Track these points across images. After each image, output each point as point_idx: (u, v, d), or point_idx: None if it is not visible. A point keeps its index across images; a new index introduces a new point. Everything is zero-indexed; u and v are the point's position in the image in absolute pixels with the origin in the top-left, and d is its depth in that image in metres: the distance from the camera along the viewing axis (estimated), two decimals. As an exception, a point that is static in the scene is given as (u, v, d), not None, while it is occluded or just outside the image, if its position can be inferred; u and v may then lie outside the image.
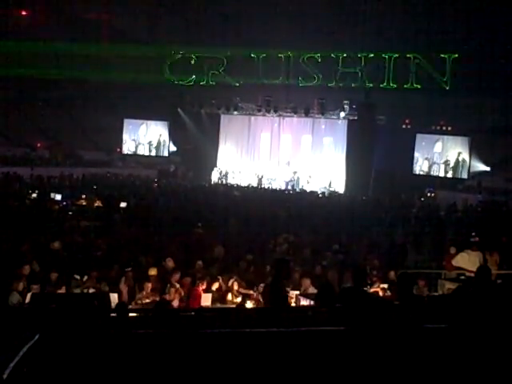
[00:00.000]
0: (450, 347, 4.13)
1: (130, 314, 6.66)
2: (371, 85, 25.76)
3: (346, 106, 26.21)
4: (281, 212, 17.45)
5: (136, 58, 27.15)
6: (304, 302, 8.15)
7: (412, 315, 5.22)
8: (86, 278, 9.18)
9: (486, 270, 7.40)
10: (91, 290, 8.66)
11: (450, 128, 26.15)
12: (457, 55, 24.34)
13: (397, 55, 25.14)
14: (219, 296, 9.23)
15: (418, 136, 26.81)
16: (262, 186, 26.41)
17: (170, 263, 10.11)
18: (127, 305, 8.03)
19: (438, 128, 26.40)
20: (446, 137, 26.50)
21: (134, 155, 31.03)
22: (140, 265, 10.22)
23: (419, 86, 24.99)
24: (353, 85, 26.05)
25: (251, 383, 3.74)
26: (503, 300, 5.95)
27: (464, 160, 26.12)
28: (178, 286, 9.04)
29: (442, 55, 24.61)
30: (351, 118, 26.39)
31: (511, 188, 23.55)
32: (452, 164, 26.43)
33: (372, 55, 25.56)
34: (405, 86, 25.19)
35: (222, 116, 29.05)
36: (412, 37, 24.69)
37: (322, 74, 26.13)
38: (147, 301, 8.64)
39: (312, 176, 26.81)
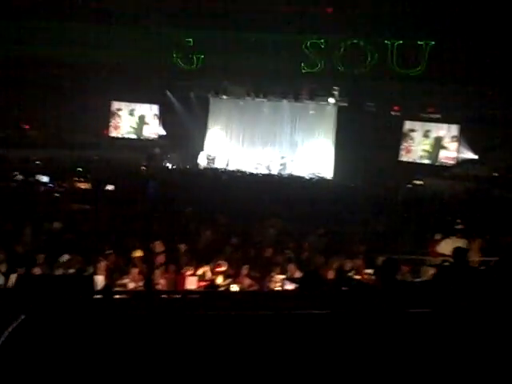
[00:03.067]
0: (433, 332, 4.16)
1: (116, 297, 6.66)
2: (361, 71, 25.65)
3: (335, 92, 26.23)
4: (268, 197, 17.48)
5: (125, 40, 26.88)
6: (289, 287, 8.22)
7: (396, 300, 5.27)
8: (70, 259, 9.17)
9: (463, 252, 7.46)
10: (75, 272, 8.65)
11: (439, 115, 26.23)
12: (433, 43, 24.36)
13: (401, 41, 25.00)
14: (205, 280, 9.27)
15: (407, 123, 26.87)
16: (250, 171, 26.40)
17: (158, 246, 10.12)
18: (112, 287, 8.05)
19: (428, 115, 26.48)
20: (434, 124, 26.59)
21: (122, 138, 30.84)
22: (126, 248, 10.22)
23: (420, 69, 24.82)
24: (340, 70, 25.92)
25: (236, 366, 3.76)
26: (486, 286, 6.02)
27: (452, 148, 26.25)
28: (162, 268, 9.07)
29: (419, 42, 24.59)
30: (341, 103, 26.42)
31: (497, 177, 23.74)
32: (440, 151, 26.53)
33: (355, 41, 25.48)
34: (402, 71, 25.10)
35: (211, 99, 28.94)
36: (396, 23, 24.52)
37: (312, 59, 26.03)
38: (133, 284, 8.66)
39: (300, 161, 26.85)
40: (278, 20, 25.10)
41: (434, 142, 26.65)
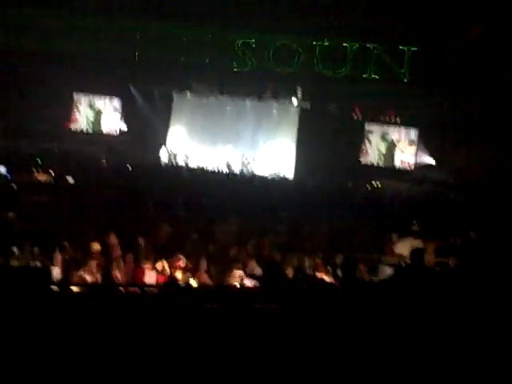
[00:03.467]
0: (392, 329, 4.25)
1: (74, 289, 6.60)
2: (325, 73, 25.94)
3: (298, 93, 26.38)
4: (229, 194, 17.50)
5: (89, 31, 26.53)
6: (248, 282, 8.26)
7: (355, 298, 5.36)
8: (26, 251, 9.04)
9: (420, 253, 7.63)
10: (32, 264, 8.53)
11: (398, 119, 26.64)
12: (416, 48, 24.79)
13: (356, 45, 25.36)
14: (164, 274, 9.24)
15: (368, 125, 27.19)
16: (212, 169, 26.34)
17: (112, 239, 10.04)
18: (69, 279, 7.97)
19: (387, 118, 26.87)
20: (394, 127, 26.97)
21: (83, 131, 30.39)
22: (84, 240, 10.12)
23: (377, 77, 25.31)
24: (306, 72, 26.17)
25: (194, 358, 3.78)
26: (441, 286, 6.16)
27: (411, 151, 26.68)
28: (121, 261, 9.01)
29: (401, 47, 24.99)
30: (303, 105, 26.58)
31: (454, 181, 24.25)
32: (399, 154, 26.93)
33: (327, 43, 25.72)
34: (363, 75, 25.45)
35: (175, 96, 28.75)
36: (371, 27, 24.87)
37: (276, 59, 26.16)
38: (91, 278, 8.57)
39: (262, 161, 26.92)
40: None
41: (389, 145, 27.06)
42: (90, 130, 30.39)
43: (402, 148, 26.83)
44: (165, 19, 26.61)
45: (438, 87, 23.82)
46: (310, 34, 25.41)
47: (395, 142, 26.95)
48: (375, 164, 27.10)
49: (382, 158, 27.21)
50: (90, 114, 30.48)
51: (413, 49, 24.98)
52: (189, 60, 27.07)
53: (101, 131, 30.36)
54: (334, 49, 25.69)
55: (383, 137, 27.17)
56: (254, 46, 26.41)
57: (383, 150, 27.24)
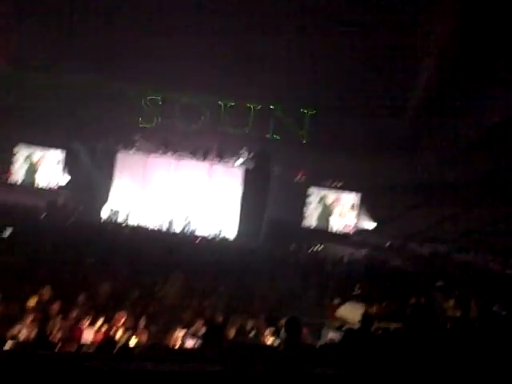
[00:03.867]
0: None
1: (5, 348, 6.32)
2: (267, 135, 26.52)
3: (243, 154, 26.70)
4: (170, 253, 17.30)
5: (36, 85, 26.36)
6: (190, 342, 8.10)
7: (299, 360, 5.31)
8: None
9: (369, 319, 7.70)
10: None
11: (340, 183, 27.23)
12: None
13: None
14: (103, 332, 8.96)
15: (311, 189, 27.66)
16: (153, 227, 26.08)
17: (46, 293, 9.72)
18: (2, 335, 7.63)
19: (330, 183, 27.45)
20: (336, 191, 27.52)
21: (23, 183, 29.77)
22: (19, 294, 9.77)
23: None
24: (248, 134, 26.76)
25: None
26: (383, 350, 6.20)
27: (352, 215, 27.21)
28: (58, 318, 8.70)
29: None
30: (248, 166, 26.88)
31: (394, 245, 24.76)
32: (340, 219, 27.40)
33: (259, 106, 26.44)
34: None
35: (119, 153, 28.62)
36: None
37: (221, 120, 26.61)
38: (26, 334, 8.23)
39: (205, 220, 26.86)
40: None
41: (329, 209, 27.58)
42: (30, 183, 29.84)
43: (342, 212, 27.36)
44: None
45: (377, 154, 24.62)
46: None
47: (335, 205, 27.48)
48: (318, 227, 27.47)
49: (320, 222, 27.65)
50: (31, 167, 29.97)
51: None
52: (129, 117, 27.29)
53: (41, 185, 29.83)
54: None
55: (323, 200, 27.70)
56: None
57: (324, 213, 27.70)
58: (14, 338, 7.91)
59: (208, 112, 27.09)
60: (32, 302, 8.97)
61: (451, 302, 12.08)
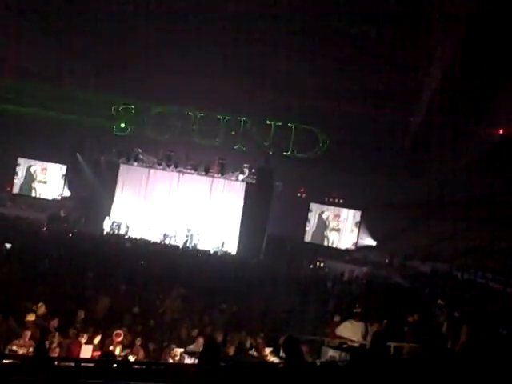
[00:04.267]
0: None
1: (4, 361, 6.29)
2: (270, 152, 26.56)
3: (245, 169, 26.74)
4: (171, 267, 17.27)
5: (39, 98, 26.51)
6: (188, 360, 8.06)
7: (299, 377, 5.29)
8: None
9: (381, 339, 7.67)
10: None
11: (342, 200, 27.25)
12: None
13: (304, 126, 26.18)
14: (101, 349, 8.92)
15: (312, 205, 27.67)
16: (155, 240, 26.07)
17: (41, 309, 9.67)
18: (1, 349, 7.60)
19: (331, 199, 27.46)
20: (338, 208, 27.53)
21: (25, 196, 29.82)
22: (18, 310, 9.73)
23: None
24: (253, 149, 26.80)
25: None
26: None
27: (352, 232, 27.21)
28: (56, 334, 8.67)
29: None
30: (249, 181, 26.91)
31: (394, 262, 24.71)
32: (341, 235, 27.40)
33: (274, 123, 26.47)
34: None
35: (121, 166, 28.68)
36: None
37: (224, 134, 26.66)
38: (24, 350, 8.20)
39: (206, 235, 26.85)
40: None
41: (329, 226, 27.65)
42: (33, 196, 29.92)
43: (345, 228, 27.38)
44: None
45: (379, 172, 24.68)
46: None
47: (339, 222, 27.51)
48: (319, 243, 27.48)
49: (327, 239, 27.67)
50: (34, 180, 30.06)
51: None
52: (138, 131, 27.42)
53: (43, 197, 29.90)
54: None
55: (324, 217, 27.74)
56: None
57: (324, 229, 27.74)
58: (13, 352, 7.88)
59: (220, 127, 27.04)
60: (30, 317, 8.94)
61: (451, 321, 12.04)
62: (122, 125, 27.47)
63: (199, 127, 26.89)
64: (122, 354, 8.82)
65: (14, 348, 8.14)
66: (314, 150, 25.96)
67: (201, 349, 8.76)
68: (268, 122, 26.30)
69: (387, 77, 23.21)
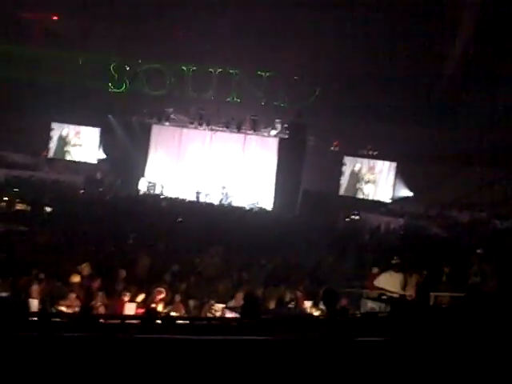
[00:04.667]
0: (386, 360, 4.17)
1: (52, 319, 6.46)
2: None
3: (277, 125, 26.54)
4: (208, 226, 17.39)
5: (68, 62, 26.61)
6: (229, 315, 8.17)
7: (340, 328, 5.32)
8: (3, 282, 8.85)
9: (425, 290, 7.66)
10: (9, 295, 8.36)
11: (376, 152, 26.92)
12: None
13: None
14: (144, 306, 9.10)
15: (346, 158, 27.42)
16: (191, 199, 26.22)
17: (86, 269, 9.88)
18: (48, 311, 7.80)
19: (366, 152, 27.16)
20: (372, 161, 27.24)
21: (61, 160, 30.18)
22: (62, 271, 9.95)
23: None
24: (282, 104, 26.62)
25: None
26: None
27: (388, 184, 26.94)
28: (100, 293, 8.87)
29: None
30: (282, 136, 26.74)
31: (431, 213, 24.46)
32: (376, 187, 27.17)
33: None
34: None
35: (154, 126, 28.74)
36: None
37: (255, 91, 26.46)
38: (70, 310, 8.41)
39: (241, 192, 26.90)
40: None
41: (364, 178, 27.41)
42: (68, 159, 30.26)
43: (380, 181, 27.12)
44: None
45: (416, 122, 24.29)
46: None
47: (374, 174, 27.26)
48: (354, 196, 27.32)
49: (362, 191, 27.48)
50: (68, 144, 30.35)
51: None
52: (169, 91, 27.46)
53: (78, 160, 30.23)
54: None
55: (358, 169, 27.49)
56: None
57: (359, 182, 27.53)
58: (59, 313, 8.09)
59: (243, 83, 27.00)
60: (75, 278, 9.14)
61: (490, 269, 11.95)
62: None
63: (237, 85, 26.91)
64: (165, 311, 8.99)
65: (61, 308, 8.36)
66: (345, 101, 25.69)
67: (241, 304, 8.88)
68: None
69: (423, 23, 22.71)
